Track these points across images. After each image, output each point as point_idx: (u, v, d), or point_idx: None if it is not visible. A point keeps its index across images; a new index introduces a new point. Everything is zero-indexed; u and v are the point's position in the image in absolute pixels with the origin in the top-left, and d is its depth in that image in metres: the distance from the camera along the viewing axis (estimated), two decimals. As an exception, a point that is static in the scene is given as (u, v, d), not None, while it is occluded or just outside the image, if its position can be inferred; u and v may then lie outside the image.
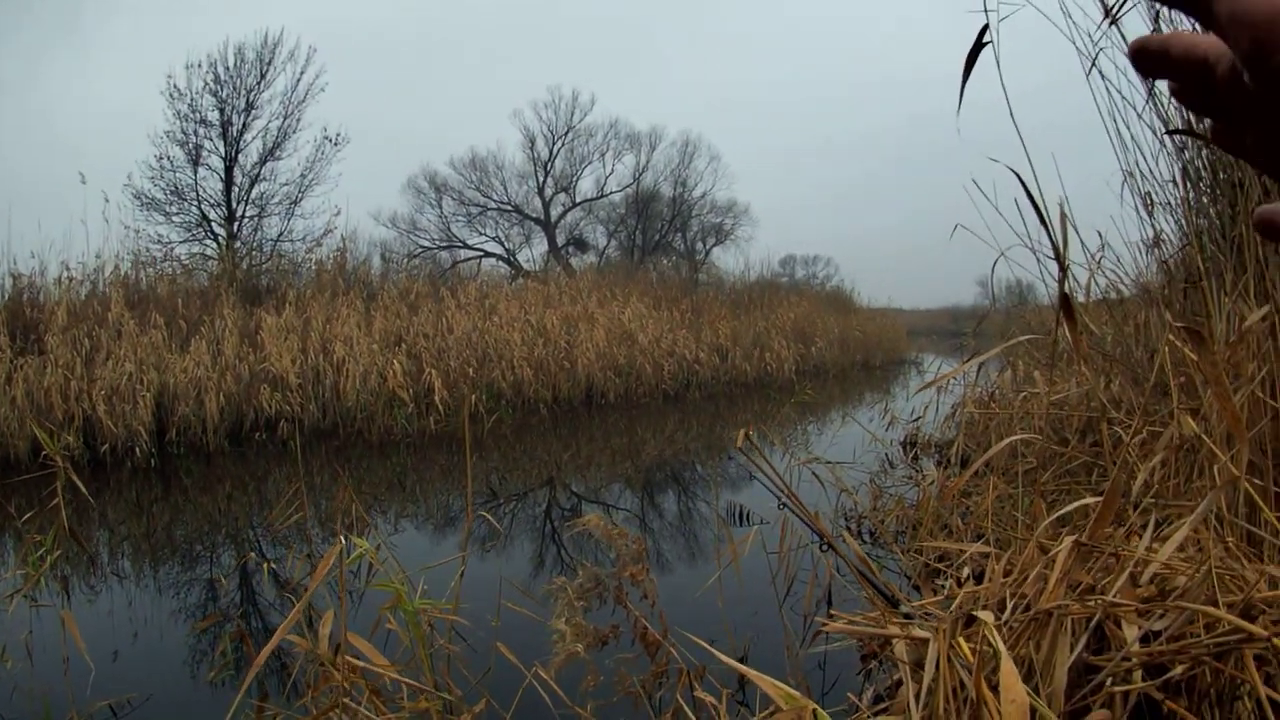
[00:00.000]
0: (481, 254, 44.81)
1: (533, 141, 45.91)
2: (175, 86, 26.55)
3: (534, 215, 46.21)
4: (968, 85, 3.28)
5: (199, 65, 26.78)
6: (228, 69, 27.16)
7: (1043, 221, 3.27)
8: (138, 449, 13.85)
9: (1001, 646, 2.44)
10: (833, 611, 4.62)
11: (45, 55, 54.80)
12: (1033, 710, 2.32)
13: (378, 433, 16.39)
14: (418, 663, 3.67)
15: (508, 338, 20.19)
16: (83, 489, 4.22)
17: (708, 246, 48.80)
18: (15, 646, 4.34)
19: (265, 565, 7.35)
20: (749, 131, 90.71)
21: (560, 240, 46.14)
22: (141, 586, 7.58)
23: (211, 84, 26.96)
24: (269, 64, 27.65)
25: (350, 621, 3.62)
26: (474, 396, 17.81)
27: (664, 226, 47.20)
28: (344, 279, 21.10)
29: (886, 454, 10.25)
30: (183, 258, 23.84)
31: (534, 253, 46.09)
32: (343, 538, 3.52)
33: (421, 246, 43.37)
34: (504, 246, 46.10)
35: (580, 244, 46.67)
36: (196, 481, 12.86)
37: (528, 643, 3.96)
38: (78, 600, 7.06)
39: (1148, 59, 0.61)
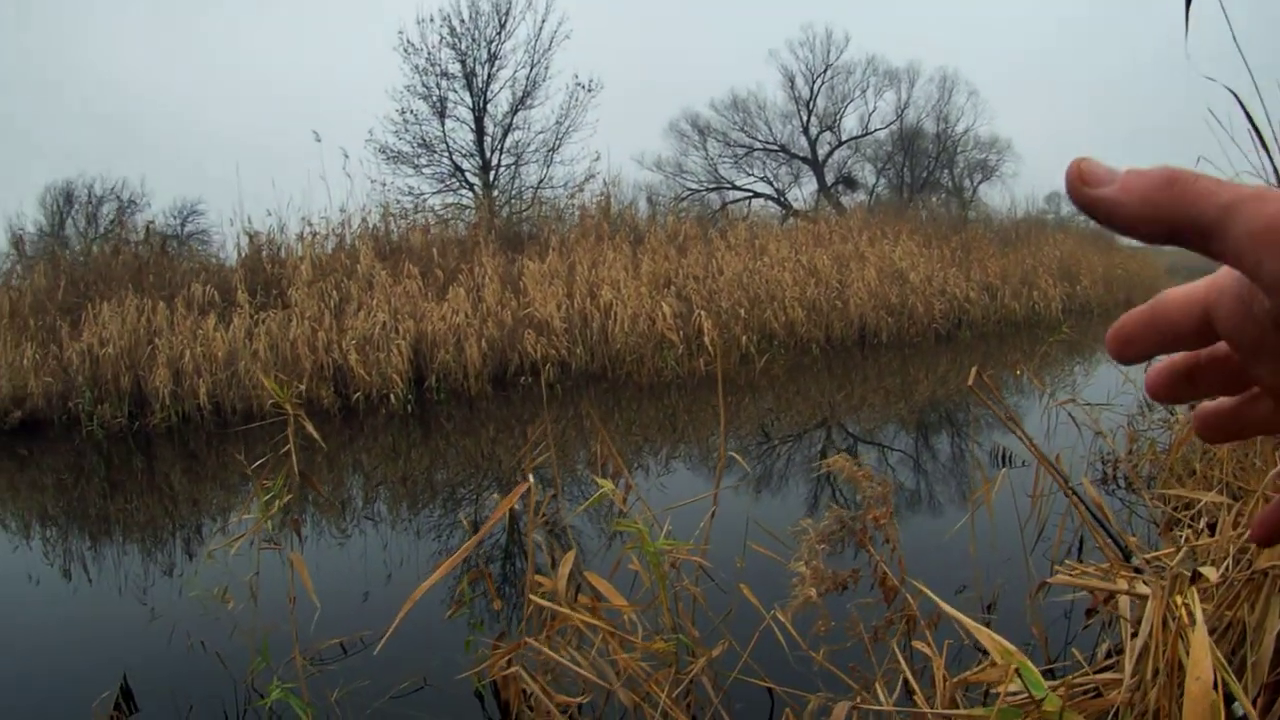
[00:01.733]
0: (750, 194, 44.81)
1: (792, 80, 45.58)
2: (409, 41, 27.31)
3: (801, 154, 45.75)
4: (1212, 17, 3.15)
5: (431, 20, 27.38)
6: (463, 21, 27.65)
7: (1262, 143, 3.10)
8: (392, 396, 14.34)
9: (1200, 615, 2.30)
10: (1067, 561, 4.50)
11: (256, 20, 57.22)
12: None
13: (647, 375, 16.58)
14: (658, 604, 3.71)
15: (779, 278, 20.14)
16: (315, 435, 4.34)
17: (975, 183, 47.84)
18: (240, 589, 4.52)
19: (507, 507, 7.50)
20: (1003, 64, 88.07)
21: (829, 179, 45.64)
22: (399, 529, 7.85)
23: (448, 37, 27.54)
24: (506, 14, 28.00)
25: (600, 564, 3.69)
26: (745, 337, 17.84)
27: (930, 164, 46.31)
28: (609, 223, 21.27)
29: (1143, 396, 9.86)
30: (437, 208, 24.69)
31: (803, 192, 45.90)
32: (530, 477, 3.57)
33: (688, 189, 43.25)
34: (773, 186, 45.91)
35: (849, 182, 46.09)
36: (458, 425, 13.29)
37: (773, 584, 3.94)
38: (326, 544, 7.37)
39: (1131, 344, 0.54)
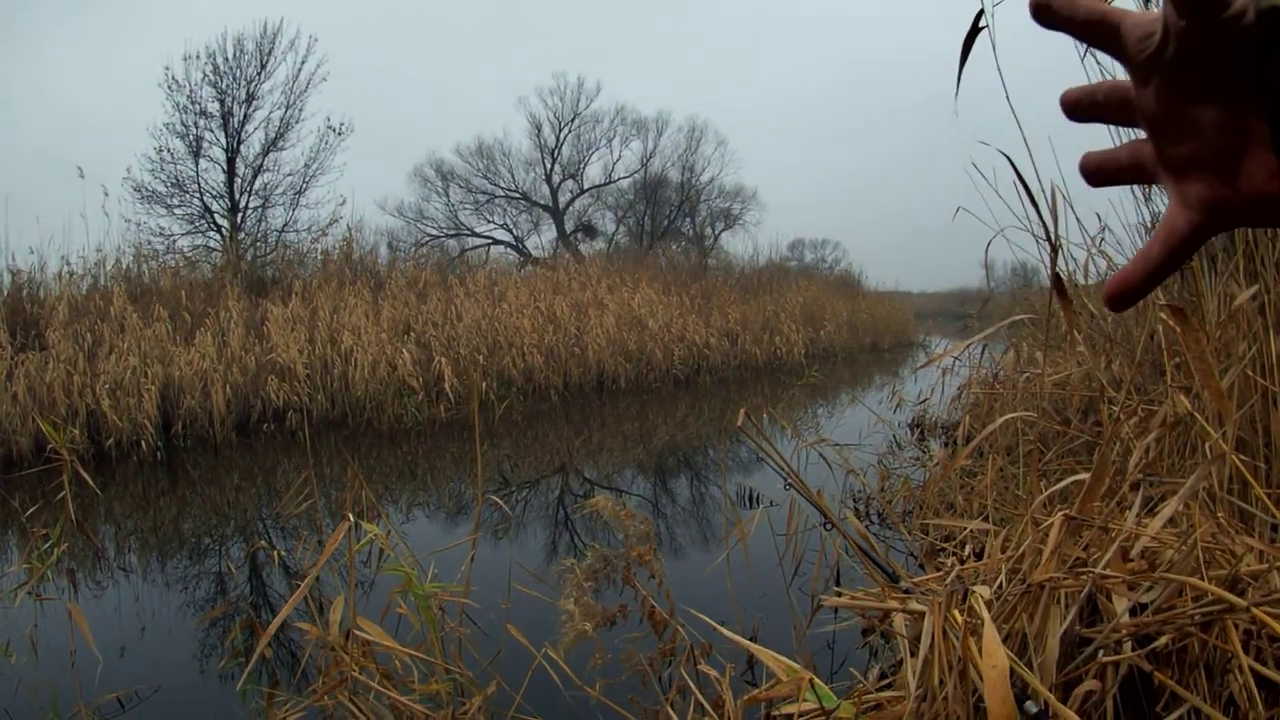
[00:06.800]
0: (490, 241, 44.88)
1: (539, 128, 45.86)
2: (173, 78, 26.41)
3: (542, 202, 46.08)
4: (972, 70, 3.31)
5: (197, 56, 26.66)
6: (227, 60, 27.01)
7: (1033, 202, 3.31)
8: (143, 442, 13.83)
9: (986, 614, 2.48)
10: (835, 589, 4.67)
11: (37, 49, 55.15)
12: (1021, 678, 2.37)
13: (388, 421, 16.43)
14: (429, 646, 3.73)
15: (518, 325, 20.15)
16: (90, 482, 4.24)
17: (716, 232, 48.89)
18: (20, 641, 4.38)
19: (275, 554, 7.40)
20: (755, 119, 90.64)
21: (569, 227, 46.03)
22: (149, 580, 7.63)
23: (211, 75, 26.82)
24: (269, 54, 27.50)
25: (361, 608, 3.68)
26: (484, 384, 17.86)
27: (672, 212, 47.03)
28: (351, 268, 21.09)
29: (894, 436, 10.23)
30: (185, 250, 24.10)
31: (543, 240, 46.17)
32: (350, 517, 3.57)
33: (429, 235, 43.11)
34: (512, 234, 46.07)
35: (589, 230, 46.55)
36: (204, 474, 12.89)
37: (538, 624, 4.00)
38: (85, 595, 7.12)
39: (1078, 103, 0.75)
